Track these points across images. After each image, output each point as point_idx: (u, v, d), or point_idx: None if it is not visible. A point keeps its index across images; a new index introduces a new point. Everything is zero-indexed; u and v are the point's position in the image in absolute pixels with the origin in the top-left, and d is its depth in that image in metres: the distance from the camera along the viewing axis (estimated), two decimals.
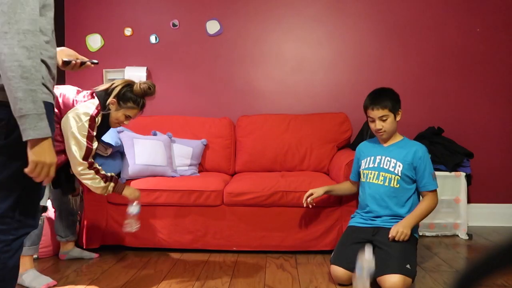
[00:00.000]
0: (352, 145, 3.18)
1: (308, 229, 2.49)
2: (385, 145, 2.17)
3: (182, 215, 2.53)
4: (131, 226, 2.21)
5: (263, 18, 3.44)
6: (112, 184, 2.11)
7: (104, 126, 2.15)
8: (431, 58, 3.35)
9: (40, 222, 2.01)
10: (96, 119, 2.04)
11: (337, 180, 2.60)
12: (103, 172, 2.08)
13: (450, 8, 3.33)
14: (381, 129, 2.08)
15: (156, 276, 2.16)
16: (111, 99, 2.09)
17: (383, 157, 2.13)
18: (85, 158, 2.00)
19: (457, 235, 2.93)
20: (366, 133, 3.07)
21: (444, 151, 3.00)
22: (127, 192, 2.19)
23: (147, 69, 3.43)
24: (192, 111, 3.41)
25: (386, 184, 2.08)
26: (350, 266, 1.96)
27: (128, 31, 3.49)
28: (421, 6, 3.35)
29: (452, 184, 2.93)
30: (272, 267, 2.30)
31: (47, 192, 2.05)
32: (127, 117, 2.15)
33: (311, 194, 2.27)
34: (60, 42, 3.45)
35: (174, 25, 3.47)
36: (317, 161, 3.02)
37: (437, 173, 2.90)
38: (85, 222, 2.52)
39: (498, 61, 3.31)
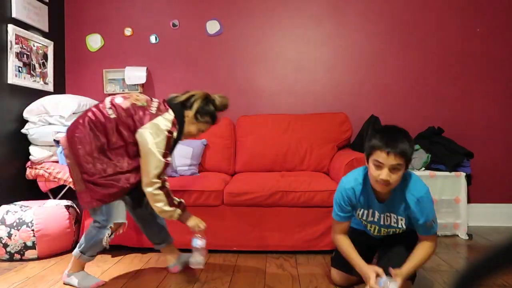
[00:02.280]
0: (352, 145, 3.18)
1: (308, 229, 2.49)
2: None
3: None
4: (197, 260, 2.03)
5: (263, 18, 3.44)
6: (178, 211, 1.99)
7: (176, 139, 2.03)
8: (431, 58, 3.35)
9: (101, 236, 1.93)
10: (174, 134, 1.94)
11: (337, 180, 2.59)
12: (171, 196, 1.97)
13: (450, 8, 3.33)
14: (388, 180, 1.60)
15: (156, 276, 2.16)
16: (192, 114, 2.02)
17: (382, 215, 1.83)
18: (159, 175, 1.90)
19: (457, 235, 2.93)
20: (366, 133, 3.07)
21: (444, 151, 3.00)
22: (192, 223, 2.04)
23: (147, 69, 3.43)
24: None
25: (391, 234, 1.91)
26: (349, 269, 1.96)
27: (128, 31, 3.49)
28: (421, 6, 3.35)
29: (452, 184, 2.93)
30: (272, 267, 2.29)
31: (124, 208, 1.99)
32: (200, 131, 2.09)
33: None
34: (60, 42, 3.46)
35: (174, 25, 3.47)
36: (317, 161, 3.02)
37: (437, 173, 2.92)
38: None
39: (498, 61, 3.31)
